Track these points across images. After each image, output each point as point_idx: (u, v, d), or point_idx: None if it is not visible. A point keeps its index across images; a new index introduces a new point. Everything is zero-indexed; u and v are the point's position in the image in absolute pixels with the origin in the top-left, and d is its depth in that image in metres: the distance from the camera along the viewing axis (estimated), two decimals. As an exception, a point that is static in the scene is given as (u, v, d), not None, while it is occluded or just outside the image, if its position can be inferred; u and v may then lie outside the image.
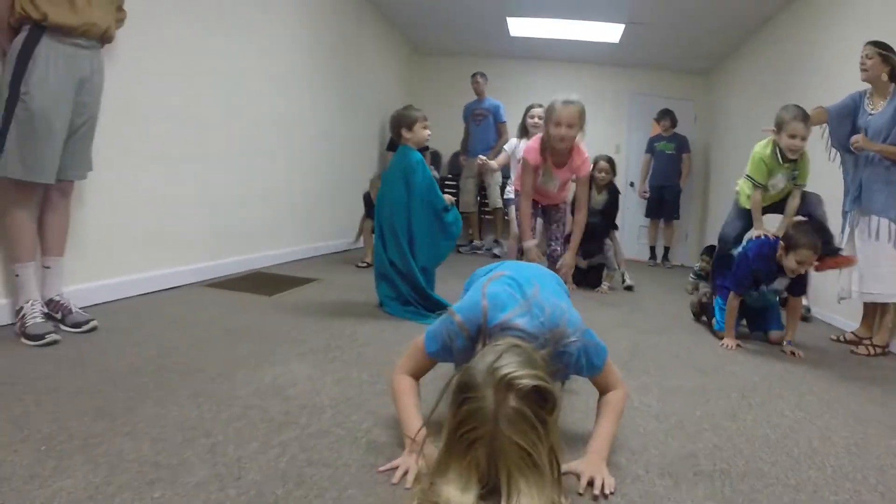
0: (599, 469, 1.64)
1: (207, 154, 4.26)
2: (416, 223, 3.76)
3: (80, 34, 2.67)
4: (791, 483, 1.77)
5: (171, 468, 1.56)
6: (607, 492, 1.58)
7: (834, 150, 4.25)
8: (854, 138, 3.91)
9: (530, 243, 3.96)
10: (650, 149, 8.63)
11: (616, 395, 1.83)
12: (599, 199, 6.04)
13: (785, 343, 3.69)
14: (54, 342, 2.59)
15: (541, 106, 4.98)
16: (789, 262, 3.57)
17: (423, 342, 1.80)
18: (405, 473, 1.57)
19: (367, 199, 5.87)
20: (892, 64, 3.84)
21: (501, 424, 1.34)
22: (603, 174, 6.01)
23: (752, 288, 3.82)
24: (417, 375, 1.85)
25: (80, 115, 2.75)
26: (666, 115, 8.48)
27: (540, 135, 3.95)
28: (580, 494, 1.57)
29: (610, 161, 6.10)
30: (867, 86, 4.00)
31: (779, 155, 4.06)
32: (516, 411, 1.35)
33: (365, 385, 2.35)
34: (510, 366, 1.40)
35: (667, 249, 8.60)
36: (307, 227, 6.09)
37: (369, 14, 7.49)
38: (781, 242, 3.64)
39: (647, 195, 8.56)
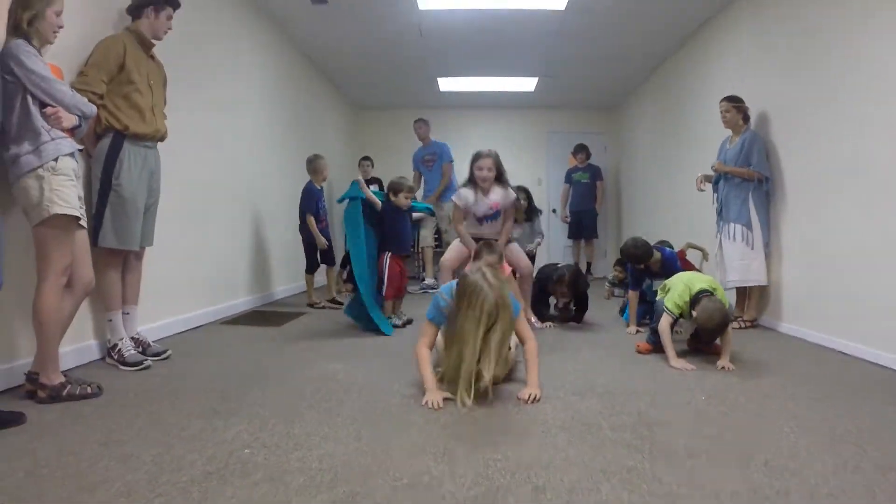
0: (533, 390, 2.86)
1: (207, 216, 5.21)
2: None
3: (150, 138, 3.68)
4: (650, 394, 2.97)
5: (297, 414, 2.63)
6: (535, 398, 2.82)
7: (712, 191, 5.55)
8: (713, 164, 5.23)
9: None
10: (568, 179, 9.89)
11: (531, 344, 3.03)
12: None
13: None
14: (148, 367, 3.57)
15: (488, 156, 4.99)
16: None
17: (426, 316, 3.03)
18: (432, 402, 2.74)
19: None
20: (743, 111, 5.19)
21: (492, 287, 2.68)
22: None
23: (638, 285, 4.96)
24: (430, 344, 3.02)
25: (150, 197, 3.74)
26: (581, 150, 9.73)
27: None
28: (518, 399, 2.84)
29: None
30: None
31: None
32: (494, 278, 2.70)
33: (384, 371, 3.44)
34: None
35: (589, 265, 9.86)
36: (279, 272, 7.07)
37: (317, 78, 8.61)
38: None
39: (568, 219, 9.82)
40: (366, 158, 9.06)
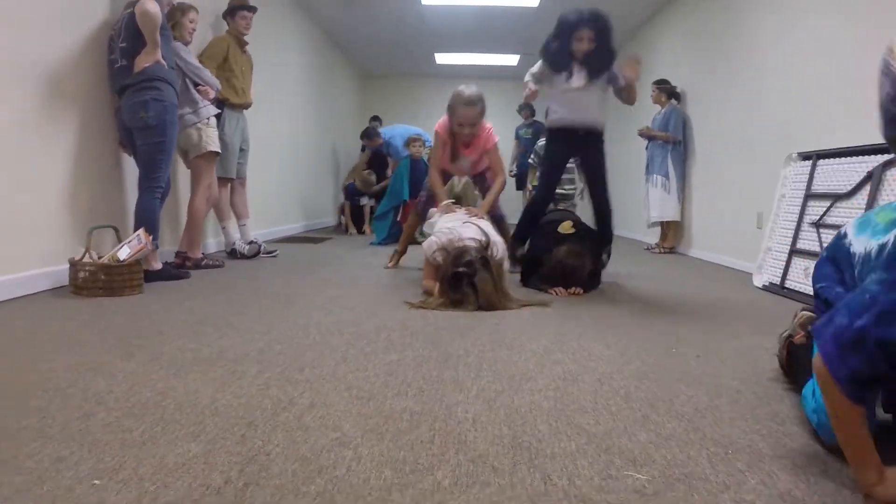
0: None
1: (262, 162, 6.98)
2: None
3: (241, 107, 5.42)
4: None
5: (353, 271, 4.48)
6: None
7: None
8: (640, 128, 7.01)
9: (446, 202, 4.19)
10: (516, 136, 10.33)
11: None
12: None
13: None
14: (257, 257, 5.37)
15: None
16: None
17: None
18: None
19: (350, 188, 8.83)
20: (667, 90, 6.94)
21: None
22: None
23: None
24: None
25: (244, 143, 5.47)
26: (525, 108, 10.12)
27: (447, 116, 4.32)
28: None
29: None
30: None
31: None
32: None
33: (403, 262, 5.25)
34: None
35: None
36: (307, 208, 8.92)
37: (333, 51, 10.41)
38: None
39: (514, 173, 9.91)
40: (374, 118, 10.72)
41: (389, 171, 8.82)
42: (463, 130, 4.18)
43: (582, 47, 3.91)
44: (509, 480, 1.31)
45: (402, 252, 4.94)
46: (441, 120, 4.34)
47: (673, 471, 1.36)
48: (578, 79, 4.04)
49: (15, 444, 1.42)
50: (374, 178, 8.93)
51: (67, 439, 1.46)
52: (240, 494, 1.22)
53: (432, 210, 4.19)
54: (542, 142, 5.96)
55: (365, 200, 8.77)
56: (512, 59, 11.07)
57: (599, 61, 4.05)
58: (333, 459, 1.39)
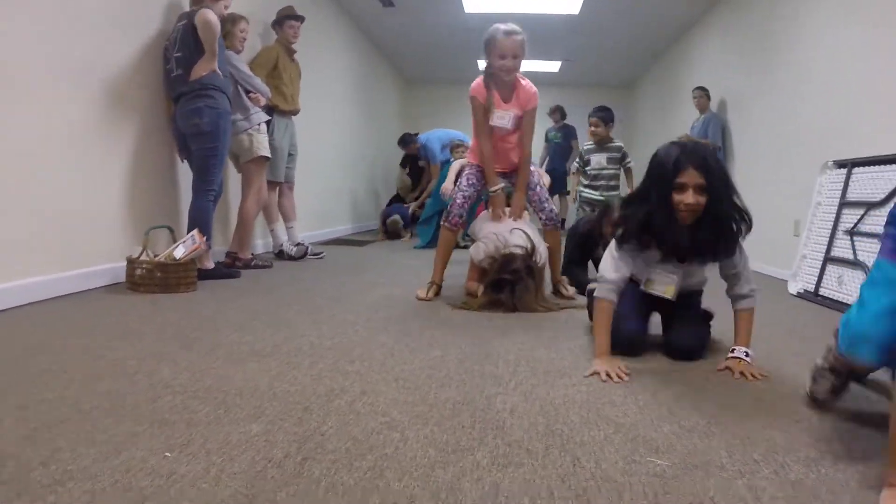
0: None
1: (309, 166, 7.17)
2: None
3: (290, 113, 5.61)
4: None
5: (399, 271, 4.61)
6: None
7: None
8: (680, 136, 7.06)
9: (497, 187, 3.87)
10: (545, 138, 10.12)
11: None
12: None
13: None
14: (304, 258, 5.55)
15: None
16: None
17: None
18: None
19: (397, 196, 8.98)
20: (708, 95, 6.99)
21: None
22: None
23: None
24: None
25: (293, 149, 5.67)
26: (556, 110, 10.07)
27: (482, 75, 3.82)
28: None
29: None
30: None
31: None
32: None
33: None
34: None
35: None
36: (351, 211, 9.11)
37: (379, 58, 10.62)
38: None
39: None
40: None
41: (427, 180, 8.87)
42: (506, 64, 3.53)
43: (686, 201, 2.28)
44: (541, 462, 1.44)
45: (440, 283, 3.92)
46: (474, 83, 3.79)
47: (692, 458, 1.48)
48: (664, 280, 2.57)
49: (89, 422, 1.59)
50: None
51: (139, 418, 1.62)
52: (298, 467, 1.37)
53: (481, 220, 4.16)
54: (588, 145, 6.16)
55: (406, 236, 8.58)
56: (553, 66, 11.17)
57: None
58: (382, 440, 1.53)
